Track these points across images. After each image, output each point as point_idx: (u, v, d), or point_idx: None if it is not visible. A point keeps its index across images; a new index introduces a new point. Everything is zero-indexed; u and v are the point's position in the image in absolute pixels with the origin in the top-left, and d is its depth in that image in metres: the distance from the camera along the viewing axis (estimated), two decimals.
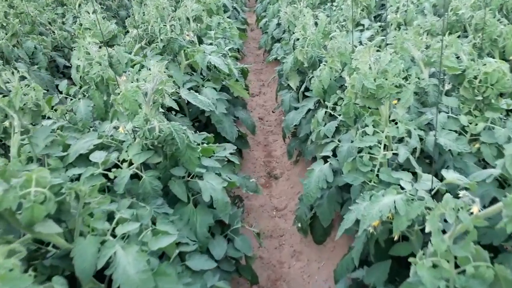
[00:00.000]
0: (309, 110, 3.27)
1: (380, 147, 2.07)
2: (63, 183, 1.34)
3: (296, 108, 3.84)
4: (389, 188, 1.69)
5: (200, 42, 4.50)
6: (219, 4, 4.94)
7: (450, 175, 1.63)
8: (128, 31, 4.48)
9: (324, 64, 3.00)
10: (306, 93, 3.42)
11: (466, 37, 3.99)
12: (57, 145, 2.20)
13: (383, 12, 5.17)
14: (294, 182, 4.14)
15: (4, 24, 4.75)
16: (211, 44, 4.33)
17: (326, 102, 3.02)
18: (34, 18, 5.38)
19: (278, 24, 6.16)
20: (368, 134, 2.10)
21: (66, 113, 2.89)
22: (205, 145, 2.61)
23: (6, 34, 4.71)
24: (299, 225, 2.91)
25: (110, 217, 1.68)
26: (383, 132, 2.14)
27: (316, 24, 3.46)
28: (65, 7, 6.55)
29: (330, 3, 6.04)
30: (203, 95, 3.44)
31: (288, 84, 3.99)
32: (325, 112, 2.86)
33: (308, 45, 3.33)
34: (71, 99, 3.09)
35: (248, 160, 4.63)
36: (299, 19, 3.90)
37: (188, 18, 4.34)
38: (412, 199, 1.58)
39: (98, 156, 2.05)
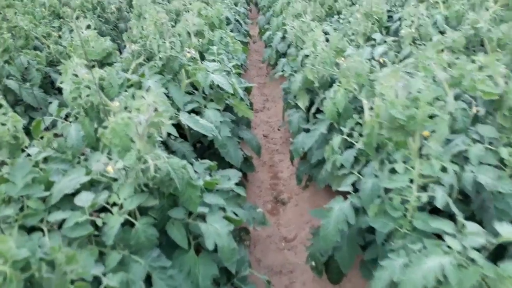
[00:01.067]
0: (321, 134, 2.98)
1: (412, 188, 1.78)
2: (30, 257, 1.05)
3: (305, 130, 3.56)
4: (431, 244, 1.39)
5: (202, 58, 4.24)
6: (221, 17, 4.69)
7: (507, 231, 1.34)
8: (125, 46, 4.23)
9: (338, 85, 2.72)
10: (318, 115, 3.14)
11: (485, 52, 3.73)
12: (38, 183, 1.91)
13: (390, 24, 4.92)
14: (304, 209, 3.84)
15: None
16: (213, 60, 4.06)
17: (341, 127, 2.74)
18: (28, 32, 5.13)
19: (283, 38, 5.91)
20: (398, 172, 1.81)
21: (56, 137, 2.61)
22: (208, 177, 2.33)
23: None
24: (313, 263, 2.61)
25: (95, 281, 1.39)
26: (413, 169, 1.85)
27: (327, 40, 3.19)
28: (61, 20, 6.31)
29: (337, 16, 5.80)
30: (206, 117, 3.16)
31: (296, 103, 3.72)
32: (341, 138, 2.57)
33: (319, 63, 3.06)
34: (63, 122, 2.82)
35: (253, 183, 4.34)
36: (308, 34, 3.64)
37: (189, 33, 4.09)
38: (464, 263, 1.28)
39: (84, 199, 1.76)
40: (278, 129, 5.58)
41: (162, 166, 1.67)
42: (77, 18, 6.47)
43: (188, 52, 3.25)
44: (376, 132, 2.02)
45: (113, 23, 7.41)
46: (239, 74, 4.78)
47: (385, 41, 4.11)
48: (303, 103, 3.53)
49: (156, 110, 1.71)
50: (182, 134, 3.17)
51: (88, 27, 3.23)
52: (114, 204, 1.75)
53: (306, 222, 3.65)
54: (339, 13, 6.16)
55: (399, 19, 6.20)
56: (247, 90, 5.11)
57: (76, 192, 1.91)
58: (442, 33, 4.98)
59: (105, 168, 1.74)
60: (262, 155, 5.11)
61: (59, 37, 5.76)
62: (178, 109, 3.21)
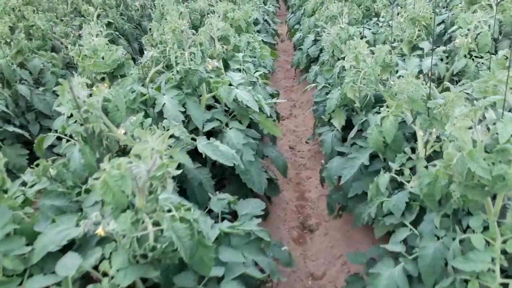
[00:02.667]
0: (361, 165, 2.53)
1: (495, 271, 1.33)
2: None
3: (340, 153, 3.12)
4: None
5: (226, 66, 3.85)
6: (249, 20, 4.28)
7: None
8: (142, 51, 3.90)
9: (386, 110, 2.27)
10: (358, 141, 2.69)
11: None
12: (19, 236, 1.57)
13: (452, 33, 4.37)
14: (334, 239, 3.40)
15: (9, 40, 4.23)
16: (238, 70, 3.67)
17: (388, 161, 2.29)
18: (44, 32, 4.86)
19: (315, 41, 5.45)
20: (475, 248, 1.36)
21: (58, 162, 2.27)
22: (225, 224, 1.93)
23: (11, 51, 4.19)
24: None
25: None
26: (494, 241, 1.39)
27: (371, 52, 2.73)
28: (82, 18, 6.04)
29: (375, 18, 5.29)
30: (227, 139, 2.77)
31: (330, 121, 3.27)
32: (390, 177, 2.13)
33: (362, 81, 2.61)
34: (68, 140, 2.48)
35: (277, 205, 3.93)
36: (347, 43, 3.18)
37: (212, 38, 3.70)
38: None
39: (69, 264, 1.40)
40: (307, 142, 5.13)
41: (164, 234, 1.28)
42: (98, 16, 6.20)
43: (210, 64, 2.85)
44: (442, 184, 1.56)
45: (137, 21, 7.12)
46: (266, 79, 4.38)
47: (435, 52, 3.61)
48: (339, 122, 3.09)
49: (161, 157, 1.32)
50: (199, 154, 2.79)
51: (98, 34, 2.88)
52: (105, 274, 1.38)
53: (338, 257, 3.22)
54: (377, 15, 5.65)
55: (443, 21, 5.64)
56: (273, 97, 4.70)
57: (64, 249, 1.56)
58: (495, 40, 4.42)
59: (94, 230, 1.37)
60: (288, 170, 4.68)
61: (79, 36, 5.48)
62: (196, 129, 2.84)
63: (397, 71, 3.11)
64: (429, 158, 2.26)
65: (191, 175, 2.57)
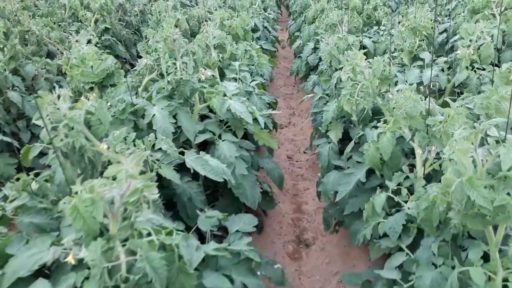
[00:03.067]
0: (358, 181, 2.43)
1: None
2: None
3: (337, 168, 3.02)
4: None
5: (222, 74, 3.77)
6: (247, 27, 4.19)
7: None
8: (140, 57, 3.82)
9: (384, 126, 2.17)
10: (354, 156, 2.59)
11: None
12: None
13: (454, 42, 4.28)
14: (331, 255, 3.29)
15: (2, 46, 4.16)
16: (234, 79, 3.58)
17: (385, 180, 2.20)
18: (39, 38, 4.80)
19: (315, 49, 5.37)
20: (477, 285, 1.26)
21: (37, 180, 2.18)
22: (211, 247, 1.83)
23: (4, 57, 4.12)
24: None
25: None
26: (495, 275, 1.29)
27: (370, 63, 2.64)
28: (80, 23, 5.98)
29: (376, 27, 5.20)
30: (219, 151, 2.68)
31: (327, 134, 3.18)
32: (386, 197, 2.03)
33: (359, 93, 2.51)
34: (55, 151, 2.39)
35: (273, 218, 3.82)
36: (345, 53, 3.09)
37: (208, 46, 3.62)
38: None
39: None
40: (305, 152, 5.03)
41: (138, 265, 1.19)
42: (96, 21, 6.14)
43: (203, 74, 2.76)
44: (440, 210, 1.46)
45: (135, 26, 7.06)
46: (263, 89, 4.28)
47: (436, 63, 3.51)
48: (335, 135, 2.99)
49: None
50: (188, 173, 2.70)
51: (89, 42, 2.80)
52: None
53: (334, 274, 3.11)
54: (378, 23, 5.57)
55: (445, 30, 5.55)
56: (271, 105, 4.61)
57: (35, 274, 1.46)
58: (498, 50, 4.32)
59: (65, 257, 1.28)
60: (285, 181, 4.57)
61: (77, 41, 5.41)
62: (188, 140, 2.75)
63: (396, 83, 3.02)
64: (428, 177, 2.16)
65: (180, 190, 2.47)
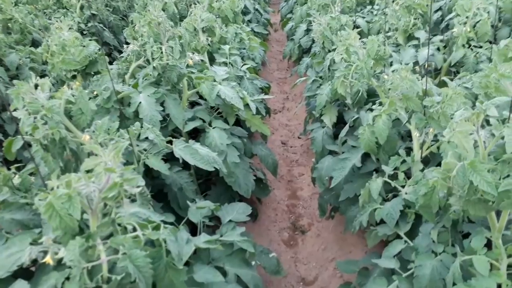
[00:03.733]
0: (353, 166, 2.36)
1: None
2: None
3: (331, 152, 2.94)
4: None
5: (212, 59, 3.65)
6: (236, 10, 4.05)
7: None
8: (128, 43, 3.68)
9: (379, 109, 2.09)
10: (349, 140, 2.51)
11: None
12: None
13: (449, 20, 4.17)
14: (327, 241, 3.24)
15: None
16: (224, 63, 3.47)
17: (381, 164, 2.12)
18: (23, 26, 4.63)
19: (307, 31, 5.23)
20: (479, 272, 1.19)
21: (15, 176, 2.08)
22: (203, 239, 1.76)
23: None
24: None
25: None
26: (500, 263, 1.22)
27: (364, 43, 2.54)
28: (65, 10, 5.79)
29: (370, 6, 5.07)
30: (210, 139, 2.58)
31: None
32: (382, 182, 1.96)
33: (353, 76, 2.42)
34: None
35: (268, 205, 3.76)
36: (338, 33, 2.98)
37: (197, 30, 3.49)
38: None
39: None
40: (299, 137, 4.94)
41: (120, 264, 1.11)
42: (81, 8, 5.95)
43: (191, 59, 2.65)
44: (440, 196, 1.39)
45: (123, 12, 6.85)
46: (255, 73, 4.16)
47: (432, 42, 3.41)
48: (330, 119, 2.91)
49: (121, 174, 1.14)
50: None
51: (70, 28, 2.67)
52: None
53: (330, 260, 3.06)
54: (372, 2, 5.42)
55: (440, 8, 5.42)
56: (264, 90, 4.50)
57: (16, 273, 1.38)
58: (495, 27, 4.22)
59: (43, 257, 1.20)
60: (280, 167, 4.50)
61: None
62: (176, 129, 2.66)
63: (391, 63, 2.93)
64: (425, 160, 2.09)
65: (170, 180, 2.39)
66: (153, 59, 2.48)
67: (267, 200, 3.79)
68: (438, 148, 1.99)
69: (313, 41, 5.08)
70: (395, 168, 2.01)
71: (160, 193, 2.60)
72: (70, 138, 1.83)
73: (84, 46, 2.48)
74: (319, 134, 3.06)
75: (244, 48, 4.19)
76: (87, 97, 1.83)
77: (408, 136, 2.39)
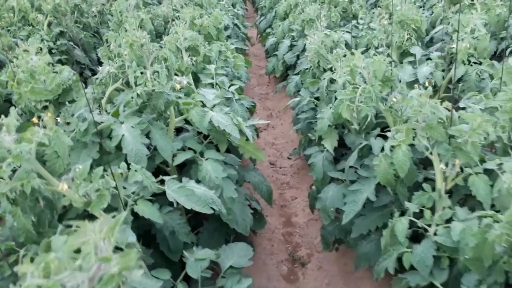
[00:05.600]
0: (366, 200, 2.13)
1: None
2: None
3: (333, 179, 2.72)
4: None
5: (197, 79, 3.38)
6: (219, 26, 3.82)
7: None
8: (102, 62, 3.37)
9: (397, 138, 1.87)
10: (360, 170, 2.29)
11: None
12: None
13: (434, 34, 4.08)
14: (330, 275, 2.99)
15: None
16: (211, 84, 3.21)
17: (398, 196, 1.91)
18: None
19: (291, 46, 5.06)
20: None
21: None
22: None
23: None
24: None
25: None
26: None
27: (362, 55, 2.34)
28: (32, 27, 5.38)
29: (355, 21, 4.95)
30: (203, 172, 2.31)
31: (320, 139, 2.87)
32: (408, 222, 1.73)
33: (360, 99, 2.21)
34: None
35: (262, 235, 3.49)
36: (334, 51, 2.78)
37: (179, 49, 3.22)
38: None
39: None
40: (289, 158, 4.71)
41: None
42: (49, 25, 5.57)
43: (179, 83, 2.38)
44: (498, 251, 1.17)
45: (94, 28, 6.50)
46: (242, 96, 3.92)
47: (427, 57, 3.27)
48: (331, 144, 2.69)
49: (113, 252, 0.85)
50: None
51: (40, 51, 2.35)
52: None
53: None
54: (355, 16, 5.32)
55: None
56: (250, 110, 4.26)
57: None
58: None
59: None
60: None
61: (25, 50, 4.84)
62: (163, 162, 2.37)
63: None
64: (449, 193, 1.89)
65: (160, 224, 2.09)
66: (136, 85, 2.19)
67: (262, 229, 3.51)
68: (465, 180, 1.79)
69: (298, 58, 4.91)
70: (422, 207, 1.79)
71: (147, 233, 2.30)
72: (44, 188, 1.52)
73: (56, 72, 2.16)
74: (319, 160, 2.83)
75: (228, 66, 3.95)
76: (64, 136, 1.53)
77: (422, 162, 2.19)
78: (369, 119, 2.20)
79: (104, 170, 2.25)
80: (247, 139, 2.79)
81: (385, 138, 2.32)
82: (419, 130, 1.79)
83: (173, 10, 4.65)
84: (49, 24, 5.55)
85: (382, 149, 2.06)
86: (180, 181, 1.99)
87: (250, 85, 7.22)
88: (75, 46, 5.47)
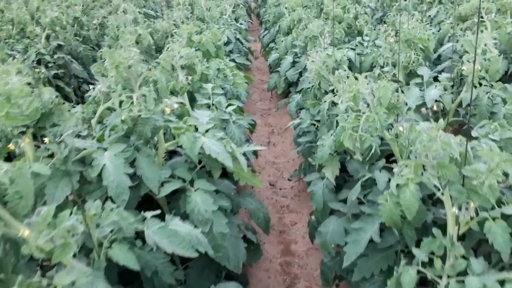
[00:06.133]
0: (369, 241, 1.94)
1: None
2: None
3: (334, 212, 2.53)
4: None
5: (193, 99, 3.22)
6: (219, 43, 3.67)
7: None
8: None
9: (404, 175, 1.68)
10: (363, 206, 2.10)
11: None
12: None
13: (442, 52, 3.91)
14: None
15: None
16: (207, 105, 3.04)
17: (404, 238, 1.71)
18: None
19: (293, 63, 4.91)
20: None
21: None
22: None
23: None
24: None
25: None
26: None
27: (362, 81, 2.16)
28: (29, 40, 5.28)
29: (360, 38, 4.78)
30: (191, 205, 2.12)
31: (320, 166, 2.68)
32: (417, 273, 1.54)
33: (363, 128, 2.02)
34: None
35: (258, 266, 3.28)
36: (336, 73, 2.61)
37: (174, 68, 3.07)
38: None
39: None
40: (289, 179, 4.52)
41: None
42: (47, 37, 5.47)
43: (169, 106, 2.22)
44: None
45: (94, 41, 6.40)
46: (241, 111, 3.76)
47: (438, 80, 3.09)
48: (332, 172, 2.51)
49: None
50: None
51: (20, 71, 2.19)
52: None
53: None
54: (360, 33, 5.16)
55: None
56: (250, 129, 4.09)
57: None
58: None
59: None
60: (269, 214, 4.06)
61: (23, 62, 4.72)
62: (150, 192, 2.19)
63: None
64: (462, 237, 1.70)
65: (142, 261, 1.90)
66: (122, 110, 2.03)
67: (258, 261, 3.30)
68: (480, 224, 1.60)
69: (300, 74, 4.75)
70: (431, 253, 1.60)
71: (128, 272, 2.11)
72: (5, 231, 1.34)
73: (35, 95, 2.00)
74: (319, 188, 2.64)
75: (228, 83, 3.79)
76: (29, 175, 1.36)
77: (430, 197, 2.00)
78: (373, 151, 2.01)
79: (83, 201, 2.08)
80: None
81: (390, 170, 2.14)
82: (429, 168, 1.60)
83: (173, 25, 4.52)
84: (48, 37, 5.45)
85: (388, 182, 1.88)
86: (163, 218, 1.81)
87: (252, 100, 7.07)
88: (73, 60, 5.36)
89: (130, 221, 1.52)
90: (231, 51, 5.92)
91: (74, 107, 4.79)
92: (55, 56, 5.17)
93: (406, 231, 1.77)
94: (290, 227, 3.81)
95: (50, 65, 5.06)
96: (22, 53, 5.04)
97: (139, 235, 1.67)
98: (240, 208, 2.89)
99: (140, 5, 8.51)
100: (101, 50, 3.48)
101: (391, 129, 2.15)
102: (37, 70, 4.49)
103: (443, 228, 1.69)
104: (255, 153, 3.79)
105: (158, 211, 1.81)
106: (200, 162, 2.53)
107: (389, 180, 1.99)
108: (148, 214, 1.77)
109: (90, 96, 2.93)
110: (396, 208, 1.69)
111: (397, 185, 1.69)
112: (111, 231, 1.53)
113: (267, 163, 5.05)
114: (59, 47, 5.32)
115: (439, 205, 1.91)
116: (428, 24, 5.97)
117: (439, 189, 1.64)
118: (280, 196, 4.35)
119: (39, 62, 5.01)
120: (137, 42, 4.11)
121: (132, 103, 2.03)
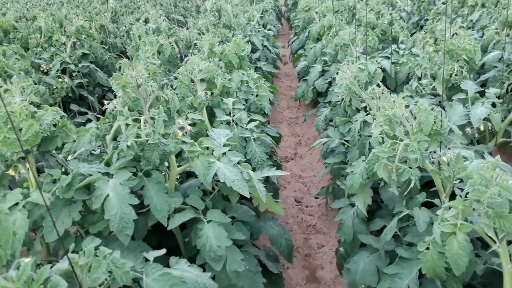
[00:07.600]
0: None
1: None
2: None
3: (365, 245, 2.25)
4: None
5: (212, 114, 3.02)
6: (242, 54, 3.45)
7: None
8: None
9: (451, 220, 1.40)
10: (399, 249, 1.82)
11: None
12: None
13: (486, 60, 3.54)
14: None
15: None
16: (227, 122, 2.84)
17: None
18: (8, 66, 4.09)
19: (323, 72, 4.63)
20: None
21: None
22: None
23: None
24: None
25: None
26: None
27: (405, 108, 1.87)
28: (55, 49, 5.26)
29: (395, 45, 4.45)
30: (203, 240, 1.91)
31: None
32: None
33: (400, 158, 1.75)
34: None
35: None
36: (370, 88, 2.34)
37: (193, 81, 2.88)
38: None
39: None
40: (316, 197, 4.24)
41: None
42: (73, 46, 5.44)
43: (182, 128, 2.02)
44: None
45: (120, 48, 6.36)
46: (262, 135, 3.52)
47: (481, 94, 2.75)
48: (363, 201, 2.24)
49: None
50: None
51: (24, 90, 2.06)
52: None
53: None
54: (395, 39, 4.82)
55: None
56: (276, 140, 3.86)
57: None
58: None
59: None
60: (294, 234, 3.80)
61: (46, 73, 4.70)
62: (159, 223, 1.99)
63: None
64: None
65: None
66: (128, 135, 1.84)
67: None
68: None
69: (330, 84, 4.47)
70: None
71: None
72: None
73: (35, 118, 1.85)
74: (349, 217, 2.37)
75: (252, 94, 3.57)
76: (10, 220, 1.18)
77: (478, 239, 1.70)
78: (412, 185, 1.73)
79: (87, 232, 1.90)
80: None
81: (431, 205, 1.85)
82: (483, 216, 1.31)
83: (196, 33, 4.35)
84: (73, 45, 5.42)
85: (430, 225, 1.60)
86: (176, 250, 1.62)
87: (280, 108, 6.81)
88: (97, 68, 5.30)
89: (125, 269, 1.32)
90: (258, 59, 5.71)
91: (97, 117, 4.74)
92: (80, 65, 5.13)
93: (452, 285, 1.48)
94: (317, 250, 3.54)
95: (74, 74, 5.01)
96: (47, 62, 5.03)
97: (140, 282, 1.46)
98: (261, 233, 2.68)
99: (169, 11, 8.46)
100: (119, 62, 3.35)
101: (432, 156, 1.86)
102: (60, 80, 4.43)
103: (496, 278, 1.41)
104: (279, 166, 3.55)
105: (162, 251, 1.61)
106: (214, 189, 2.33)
107: (431, 220, 1.70)
108: (151, 254, 1.57)
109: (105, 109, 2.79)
110: (440, 259, 1.42)
111: (444, 235, 1.41)
112: (105, 280, 1.33)
113: (293, 176, 4.79)
114: (84, 55, 5.28)
115: (489, 248, 1.60)
116: (469, 28, 5.55)
117: (494, 241, 1.35)
118: (306, 214, 4.08)
119: (64, 71, 4.97)
120: (158, 53, 3.97)
121: (138, 127, 1.83)
